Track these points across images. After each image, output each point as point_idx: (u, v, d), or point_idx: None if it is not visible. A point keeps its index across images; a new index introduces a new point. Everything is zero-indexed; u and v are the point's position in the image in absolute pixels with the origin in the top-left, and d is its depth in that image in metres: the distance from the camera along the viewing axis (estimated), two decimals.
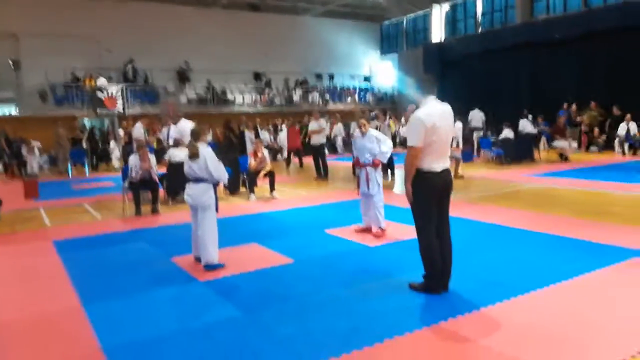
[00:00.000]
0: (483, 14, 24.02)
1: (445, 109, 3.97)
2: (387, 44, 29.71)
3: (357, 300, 3.99)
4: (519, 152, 13.52)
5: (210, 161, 4.95)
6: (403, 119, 21.77)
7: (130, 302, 4.20)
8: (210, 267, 4.98)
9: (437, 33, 25.54)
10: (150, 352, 3.27)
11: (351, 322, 3.57)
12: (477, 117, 17.16)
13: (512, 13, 22.19)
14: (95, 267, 5.28)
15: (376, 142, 6.14)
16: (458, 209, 7.38)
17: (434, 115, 3.84)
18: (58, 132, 15.45)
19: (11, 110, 18.74)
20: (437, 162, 3.90)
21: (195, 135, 5.11)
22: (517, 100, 18.99)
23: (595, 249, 5.16)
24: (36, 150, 15.18)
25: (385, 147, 6.13)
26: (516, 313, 3.60)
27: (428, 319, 3.58)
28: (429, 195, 3.91)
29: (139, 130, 12.95)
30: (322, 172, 11.99)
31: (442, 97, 4.05)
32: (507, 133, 13.63)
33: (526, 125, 14.55)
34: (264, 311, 3.87)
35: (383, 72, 29.10)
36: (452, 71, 22.24)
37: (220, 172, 5.05)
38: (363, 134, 6.19)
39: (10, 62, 19.50)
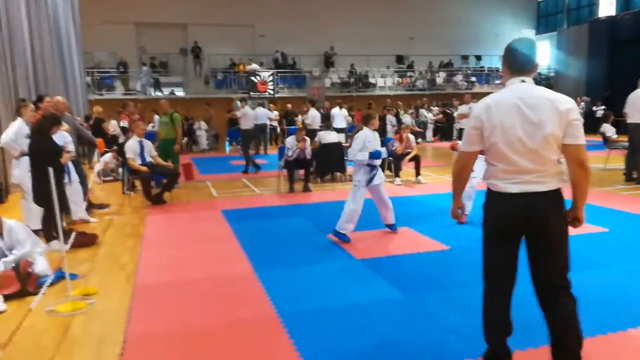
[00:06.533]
0: None
1: (537, 93, 2.47)
2: (544, 21, 27.16)
3: (529, 294, 3.73)
4: None
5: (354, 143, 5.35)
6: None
7: (296, 272, 4.48)
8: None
9: (606, 8, 22.57)
10: (320, 322, 3.44)
11: (526, 318, 3.35)
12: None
13: None
14: (261, 237, 5.73)
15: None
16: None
17: (503, 104, 2.45)
18: (209, 113, 17.32)
19: (180, 92, 21.18)
20: (513, 179, 2.47)
21: (365, 120, 5.53)
22: None
23: None
24: (203, 130, 17.11)
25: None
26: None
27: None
28: (494, 229, 2.60)
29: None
30: None
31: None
32: None
33: None
34: (426, 295, 3.84)
35: (539, 52, 26.71)
36: (626, 51, 19.51)
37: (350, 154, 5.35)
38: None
39: (184, 50, 22.02)
